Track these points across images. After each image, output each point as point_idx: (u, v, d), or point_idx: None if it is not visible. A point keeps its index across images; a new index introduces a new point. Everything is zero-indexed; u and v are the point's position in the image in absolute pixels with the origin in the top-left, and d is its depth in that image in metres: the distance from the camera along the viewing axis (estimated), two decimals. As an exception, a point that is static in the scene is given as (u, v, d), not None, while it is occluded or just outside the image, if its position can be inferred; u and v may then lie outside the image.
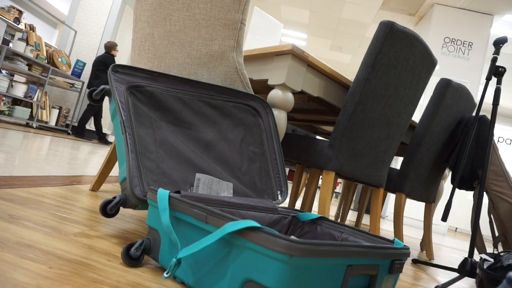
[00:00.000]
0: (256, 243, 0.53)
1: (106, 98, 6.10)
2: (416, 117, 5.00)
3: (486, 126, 1.89)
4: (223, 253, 0.59)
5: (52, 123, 5.62)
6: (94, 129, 5.55)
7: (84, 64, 5.99)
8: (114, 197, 0.86)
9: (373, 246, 0.63)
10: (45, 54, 5.27)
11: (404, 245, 0.74)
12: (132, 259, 0.71)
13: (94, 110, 5.34)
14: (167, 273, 0.59)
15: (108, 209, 0.86)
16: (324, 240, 0.85)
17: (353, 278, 0.62)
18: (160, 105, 1.01)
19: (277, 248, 0.51)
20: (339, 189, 9.43)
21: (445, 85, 1.83)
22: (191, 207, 0.65)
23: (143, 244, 0.73)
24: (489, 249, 3.98)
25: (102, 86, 1.00)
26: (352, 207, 5.06)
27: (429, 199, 2.06)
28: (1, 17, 4.67)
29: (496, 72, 1.46)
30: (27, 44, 4.95)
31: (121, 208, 1.24)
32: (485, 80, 1.39)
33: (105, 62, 5.27)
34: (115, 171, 2.28)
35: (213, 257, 0.61)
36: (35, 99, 5.18)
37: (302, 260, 0.51)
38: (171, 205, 0.70)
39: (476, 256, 2.66)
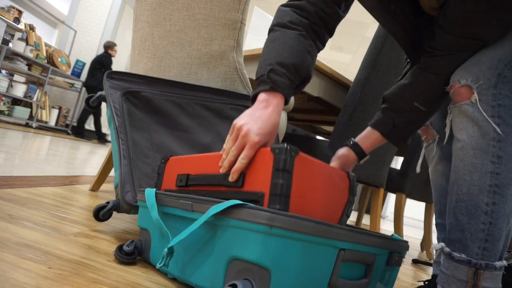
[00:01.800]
0: (238, 219, 0.52)
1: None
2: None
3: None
4: (208, 237, 0.58)
5: (52, 123, 5.62)
6: (94, 129, 5.56)
7: (84, 64, 5.99)
8: (108, 202, 0.87)
9: (368, 232, 0.62)
10: (45, 54, 5.27)
11: (403, 239, 0.73)
12: (126, 254, 0.71)
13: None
14: (159, 263, 0.59)
15: (101, 215, 0.87)
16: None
17: (348, 266, 0.60)
18: (156, 110, 1.01)
19: (258, 219, 0.50)
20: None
21: (445, 85, 1.82)
22: (177, 198, 0.66)
23: (134, 242, 0.74)
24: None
25: (99, 93, 1.02)
26: (352, 207, 5.06)
27: (430, 199, 2.06)
28: (1, 17, 4.67)
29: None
30: (27, 44, 4.95)
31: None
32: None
33: (101, 61, 5.32)
34: (115, 171, 2.27)
35: (199, 242, 0.60)
36: (34, 99, 5.18)
37: (283, 232, 0.49)
38: (158, 201, 0.71)
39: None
